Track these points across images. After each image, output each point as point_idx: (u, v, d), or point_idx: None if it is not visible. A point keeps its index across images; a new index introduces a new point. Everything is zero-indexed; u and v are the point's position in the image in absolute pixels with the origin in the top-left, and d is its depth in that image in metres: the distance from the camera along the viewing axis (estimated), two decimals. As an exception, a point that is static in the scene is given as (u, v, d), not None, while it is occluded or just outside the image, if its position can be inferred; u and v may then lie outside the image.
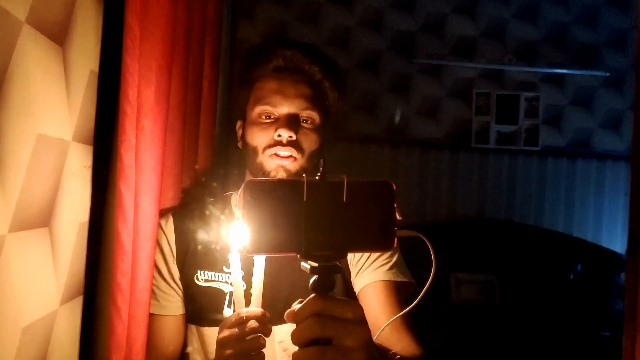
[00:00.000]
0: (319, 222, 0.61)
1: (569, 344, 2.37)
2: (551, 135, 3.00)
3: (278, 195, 0.60)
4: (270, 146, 1.09)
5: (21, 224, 0.63)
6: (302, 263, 0.63)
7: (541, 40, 2.98)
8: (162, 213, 1.16)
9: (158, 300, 1.11)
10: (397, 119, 2.85)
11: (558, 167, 2.98)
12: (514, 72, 2.96)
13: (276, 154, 1.08)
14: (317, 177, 0.61)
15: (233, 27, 2.38)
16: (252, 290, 0.87)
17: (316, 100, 1.15)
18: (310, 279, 0.63)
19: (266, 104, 1.12)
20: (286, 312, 0.64)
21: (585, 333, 2.43)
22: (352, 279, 1.15)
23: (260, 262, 0.88)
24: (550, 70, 2.97)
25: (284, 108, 1.11)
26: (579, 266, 2.71)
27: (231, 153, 1.37)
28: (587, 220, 2.98)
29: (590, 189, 2.98)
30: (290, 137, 1.08)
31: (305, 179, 0.60)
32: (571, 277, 2.70)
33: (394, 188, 0.64)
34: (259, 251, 0.62)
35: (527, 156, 2.96)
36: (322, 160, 0.63)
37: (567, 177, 2.99)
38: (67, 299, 0.80)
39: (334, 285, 0.63)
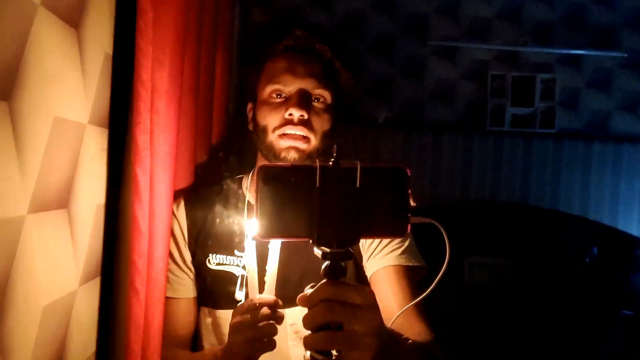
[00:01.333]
0: (331, 207, 0.61)
1: (584, 327, 2.36)
2: (567, 118, 2.96)
3: (291, 181, 0.61)
4: (280, 126, 1.09)
5: (40, 205, 0.64)
6: (315, 248, 0.64)
7: (557, 20, 2.93)
8: (175, 197, 1.16)
9: (171, 284, 1.12)
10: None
11: (574, 149, 2.94)
12: (529, 54, 2.92)
13: (286, 133, 1.08)
14: (330, 163, 0.61)
15: (245, 12, 2.37)
16: (265, 278, 0.88)
17: (327, 80, 1.14)
18: (322, 263, 0.64)
19: (277, 82, 1.11)
20: (298, 297, 0.65)
21: (601, 316, 2.41)
22: (364, 263, 1.15)
23: (275, 250, 0.88)
24: (566, 52, 2.92)
25: (295, 86, 1.10)
26: (595, 249, 2.69)
27: (244, 137, 1.38)
28: (604, 203, 2.94)
29: (607, 171, 2.95)
30: (302, 116, 1.07)
31: (318, 164, 0.60)
32: (587, 260, 2.68)
33: (408, 174, 0.63)
34: (271, 236, 0.62)
35: (543, 139, 2.93)
36: (335, 146, 0.63)
37: (584, 159, 2.95)
38: (86, 279, 0.81)
39: (346, 271, 0.64)
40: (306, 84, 1.11)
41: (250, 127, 1.20)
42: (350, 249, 0.64)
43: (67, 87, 0.72)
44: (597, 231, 2.79)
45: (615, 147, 2.95)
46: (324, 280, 0.64)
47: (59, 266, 0.72)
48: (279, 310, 0.87)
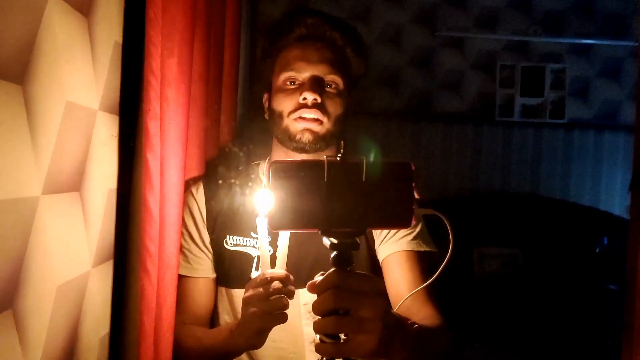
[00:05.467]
0: (339, 200, 0.65)
1: (593, 318, 2.36)
2: (578, 108, 2.95)
3: (300, 175, 0.64)
4: (295, 110, 1.12)
5: (53, 187, 0.66)
6: (324, 239, 0.67)
7: (567, 9, 2.91)
8: (194, 181, 1.20)
9: (190, 264, 1.16)
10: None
11: (585, 140, 2.94)
12: (539, 43, 2.91)
13: (301, 117, 1.11)
14: (337, 158, 0.64)
15: (253, 2, 2.39)
16: (277, 254, 0.90)
17: (339, 66, 1.17)
18: (331, 252, 0.67)
19: (290, 70, 1.14)
20: (308, 284, 0.69)
21: (610, 307, 2.41)
22: (376, 247, 1.17)
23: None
24: (576, 41, 2.91)
25: (308, 73, 1.13)
26: (605, 239, 2.68)
27: (254, 125, 1.40)
28: (614, 193, 2.93)
29: (618, 161, 2.94)
30: (315, 99, 1.10)
31: (326, 159, 0.64)
32: (597, 250, 2.68)
33: (413, 168, 0.66)
34: (282, 227, 0.67)
35: (553, 129, 2.92)
36: (342, 142, 0.67)
37: (594, 150, 2.94)
38: (99, 262, 0.83)
39: (353, 260, 0.67)
40: (319, 70, 1.14)
41: (266, 116, 1.23)
42: (357, 239, 0.67)
43: (78, 74, 0.74)
44: (607, 221, 2.78)
45: (626, 137, 2.94)
46: (332, 269, 0.67)
47: (72, 247, 0.74)
48: (291, 286, 0.89)
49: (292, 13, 1.24)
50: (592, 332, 2.29)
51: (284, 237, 0.90)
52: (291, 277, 0.89)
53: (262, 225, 0.89)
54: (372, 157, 0.66)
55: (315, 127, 1.11)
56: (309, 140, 1.11)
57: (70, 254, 0.73)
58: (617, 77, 2.95)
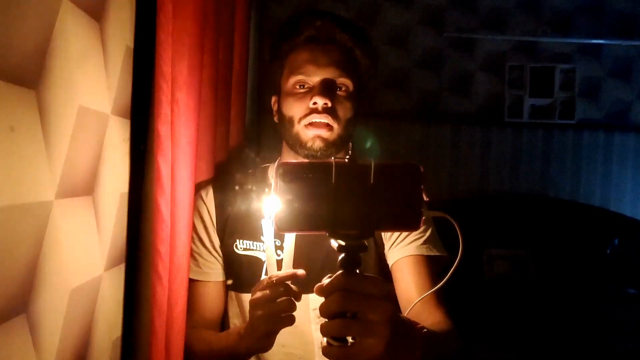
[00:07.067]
0: (346, 202, 0.64)
1: (604, 320, 2.34)
2: (587, 108, 2.92)
3: (308, 177, 0.64)
4: (306, 115, 1.11)
5: (67, 192, 0.67)
6: (332, 241, 0.66)
7: (577, 9, 2.89)
8: (203, 185, 1.20)
9: (200, 267, 1.16)
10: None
11: (595, 140, 2.91)
12: (548, 44, 2.89)
13: (312, 123, 1.10)
14: (345, 160, 0.64)
15: (262, 6, 2.39)
16: (283, 255, 0.90)
17: (349, 68, 1.16)
18: (338, 255, 0.67)
19: (300, 73, 1.13)
20: (315, 287, 0.68)
21: (620, 310, 2.39)
22: (386, 252, 1.17)
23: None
24: (586, 41, 2.89)
25: (318, 76, 1.12)
26: (616, 241, 2.66)
27: (263, 128, 1.40)
28: (625, 194, 2.91)
29: (628, 162, 2.91)
30: (326, 104, 1.09)
31: (334, 161, 0.63)
32: (608, 252, 2.66)
33: (422, 170, 0.66)
34: (290, 229, 0.66)
35: (563, 130, 2.90)
36: (350, 144, 0.66)
37: (604, 150, 2.91)
38: (111, 265, 0.84)
39: (361, 262, 0.66)
40: (329, 74, 1.12)
41: (276, 119, 1.23)
42: (364, 241, 0.66)
43: (90, 78, 0.74)
44: (618, 222, 2.76)
45: (637, 137, 2.91)
46: (339, 271, 0.66)
47: (85, 251, 0.74)
48: (298, 290, 0.89)
49: (301, 14, 1.23)
50: (603, 334, 2.27)
51: (290, 239, 0.90)
52: (298, 272, 0.88)
53: (268, 228, 0.89)
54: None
55: (325, 133, 1.10)
56: (319, 148, 1.10)
57: (83, 257, 0.73)
58: (627, 77, 2.93)
